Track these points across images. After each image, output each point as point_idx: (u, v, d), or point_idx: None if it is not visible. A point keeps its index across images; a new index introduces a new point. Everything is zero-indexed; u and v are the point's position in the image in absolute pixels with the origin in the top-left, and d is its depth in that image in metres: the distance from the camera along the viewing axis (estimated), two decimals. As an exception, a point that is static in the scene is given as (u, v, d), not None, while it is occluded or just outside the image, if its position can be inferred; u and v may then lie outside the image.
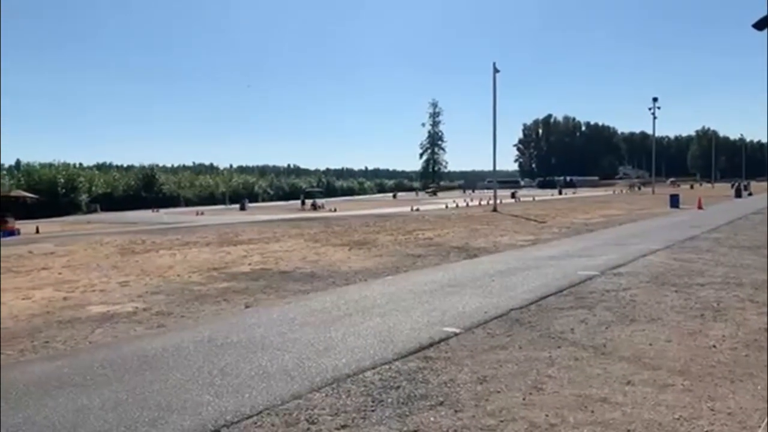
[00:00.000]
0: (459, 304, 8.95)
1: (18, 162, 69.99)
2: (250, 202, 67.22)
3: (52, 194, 53.07)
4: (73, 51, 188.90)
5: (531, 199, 60.27)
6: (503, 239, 19.72)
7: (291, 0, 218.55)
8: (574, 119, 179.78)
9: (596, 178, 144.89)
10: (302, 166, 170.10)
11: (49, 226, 34.98)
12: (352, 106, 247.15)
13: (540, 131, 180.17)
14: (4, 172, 55.21)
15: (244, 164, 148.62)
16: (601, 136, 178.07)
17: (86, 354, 6.82)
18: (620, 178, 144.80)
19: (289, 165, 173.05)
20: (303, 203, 59.49)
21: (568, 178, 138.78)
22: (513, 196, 63.63)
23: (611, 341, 6.69)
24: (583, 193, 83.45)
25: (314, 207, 54.31)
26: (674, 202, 38.13)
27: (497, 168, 47.29)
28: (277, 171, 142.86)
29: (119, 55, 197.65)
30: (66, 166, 62.49)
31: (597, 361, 5.95)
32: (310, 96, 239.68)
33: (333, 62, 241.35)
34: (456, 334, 7.12)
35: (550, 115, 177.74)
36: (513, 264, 13.43)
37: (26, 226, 30.79)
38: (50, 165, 61.85)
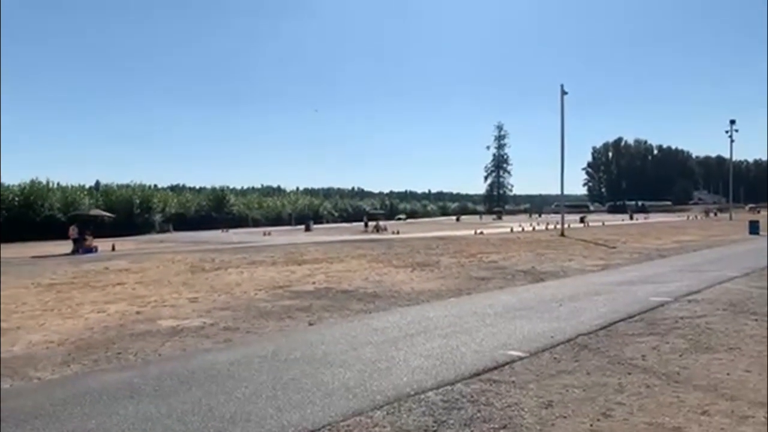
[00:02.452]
0: (524, 327, 8.75)
1: (97, 183, 73.29)
2: (315, 223, 68.09)
3: (128, 214, 55.22)
4: (149, 77, 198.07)
5: (600, 224, 58.58)
6: (571, 264, 19.23)
7: (357, 25, 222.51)
8: (645, 142, 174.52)
9: (669, 203, 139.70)
10: (366, 188, 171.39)
11: (124, 244, 36.45)
12: (417, 128, 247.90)
13: (610, 154, 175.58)
14: (85, 192, 57.90)
15: (309, 186, 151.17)
16: (674, 160, 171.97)
17: (156, 365, 7.03)
18: (695, 204, 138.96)
19: (353, 187, 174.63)
20: (366, 225, 59.87)
21: (639, 203, 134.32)
22: (581, 220, 61.94)
23: (685, 369, 6.37)
24: (656, 218, 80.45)
25: (377, 229, 54.53)
26: (754, 228, 36.20)
27: (565, 192, 46.18)
28: (341, 193, 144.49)
29: (192, 81, 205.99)
30: (142, 187, 64.87)
31: (670, 390, 5.67)
32: (374, 119, 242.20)
33: (398, 85, 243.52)
34: (521, 358, 6.96)
35: (620, 138, 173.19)
36: (581, 289, 13.06)
37: (103, 244, 32.15)
38: (127, 186, 64.49)
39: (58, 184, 55.59)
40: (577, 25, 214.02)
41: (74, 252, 29.27)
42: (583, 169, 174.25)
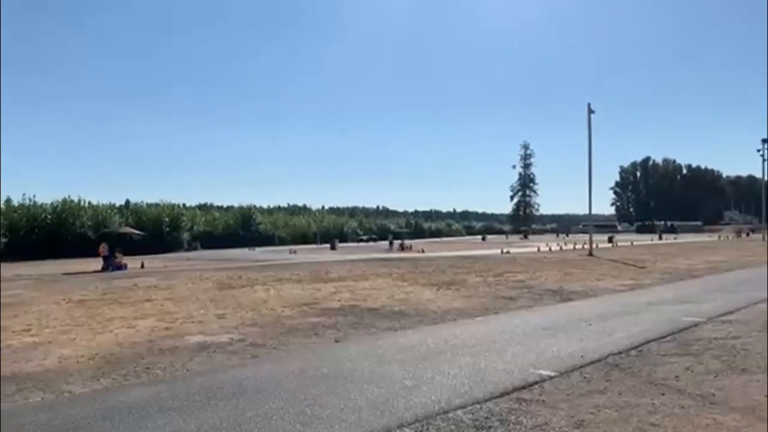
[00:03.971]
0: (553, 347, 8.62)
1: (127, 201, 74.56)
2: (340, 241, 68.34)
3: (157, 232, 56.09)
4: (179, 99, 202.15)
5: (629, 243, 57.78)
6: (600, 283, 18.95)
7: (383, 45, 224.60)
8: (674, 162, 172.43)
9: (699, 223, 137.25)
10: (391, 207, 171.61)
11: (153, 261, 36.96)
12: (442, 147, 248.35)
13: (638, 174, 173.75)
14: (116, 211, 58.96)
15: (335, 205, 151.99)
16: (703, 180, 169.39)
17: (184, 381, 7.07)
18: (726, 224, 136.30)
19: (378, 206, 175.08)
20: (391, 244, 59.87)
21: (668, 223, 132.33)
22: (610, 240, 61.15)
23: (721, 391, 6.20)
24: (685, 238, 79.17)
25: (402, 248, 54.48)
26: (788, 248, 35.35)
27: (593, 212, 45.71)
28: (366, 212, 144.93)
29: (220, 102, 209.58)
30: (171, 205, 65.90)
31: (705, 411, 5.52)
32: (399, 138, 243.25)
33: (423, 104, 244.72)
34: (550, 377, 6.84)
35: (648, 158, 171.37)
36: (611, 308, 12.85)
37: (133, 262, 32.63)
38: (156, 205, 65.56)
39: (89, 202, 56.74)
40: (604, 44, 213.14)
41: (104, 269, 29.74)
42: (611, 188, 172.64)
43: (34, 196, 52.06)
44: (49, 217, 49.46)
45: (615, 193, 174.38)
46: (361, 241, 72.38)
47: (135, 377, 7.36)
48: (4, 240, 44.17)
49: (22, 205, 51.19)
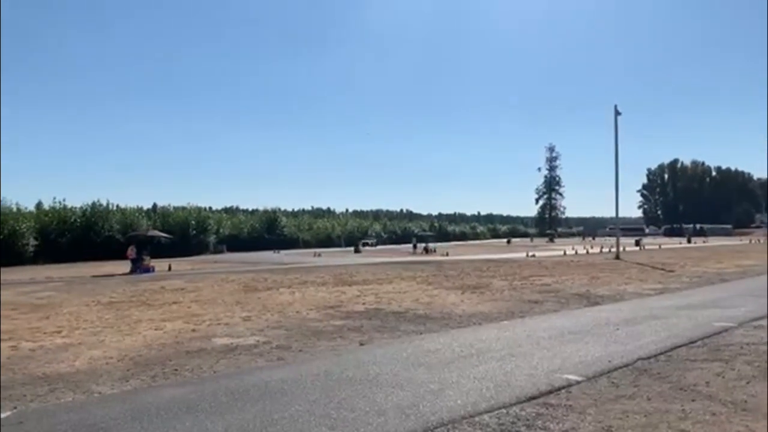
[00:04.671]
0: (580, 351, 8.53)
1: (155, 205, 75.57)
2: (364, 245, 68.45)
3: (184, 235, 56.69)
4: (205, 103, 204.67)
5: (657, 247, 56.92)
6: (627, 287, 18.70)
7: (406, 48, 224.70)
8: (703, 164, 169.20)
9: (729, 226, 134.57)
10: (415, 210, 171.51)
11: (180, 264, 37.37)
12: (466, 150, 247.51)
13: (666, 176, 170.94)
14: (143, 214, 59.77)
15: (358, 208, 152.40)
16: (733, 182, 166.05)
17: (211, 382, 7.14)
18: (757, 227, 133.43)
19: (402, 209, 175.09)
20: (415, 247, 59.79)
21: (697, 226, 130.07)
22: (637, 243, 60.33)
23: (753, 397, 6.07)
24: (715, 241, 77.69)
25: (426, 251, 54.38)
26: (823, 252, 34.53)
27: (620, 214, 45.15)
28: (390, 215, 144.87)
29: (246, 106, 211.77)
30: (197, 209, 66.63)
31: (738, 418, 5.41)
32: (424, 141, 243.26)
33: (448, 107, 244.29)
34: (578, 382, 6.77)
35: (676, 160, 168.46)
36: (639, 313, 12.67)
37: (160, 264, 33.04)
38: (183, 208, 66.31)
39: (117, 206, 57.61)
40: (631, 44, 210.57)
41: (132, 272, 30.17)
42: (638, 191, 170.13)
43: (65, 200, 53.09)
44: (78, 220, 50.31)
45: (642, 195, 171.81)
46: (366, 245, 71.02)
47: (163, 378, 7.46)
48: (34, 242, 45.00)
49: (52, 209, 52.20)
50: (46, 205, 54.64)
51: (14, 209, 47.41)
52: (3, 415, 5.85)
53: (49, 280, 25.81)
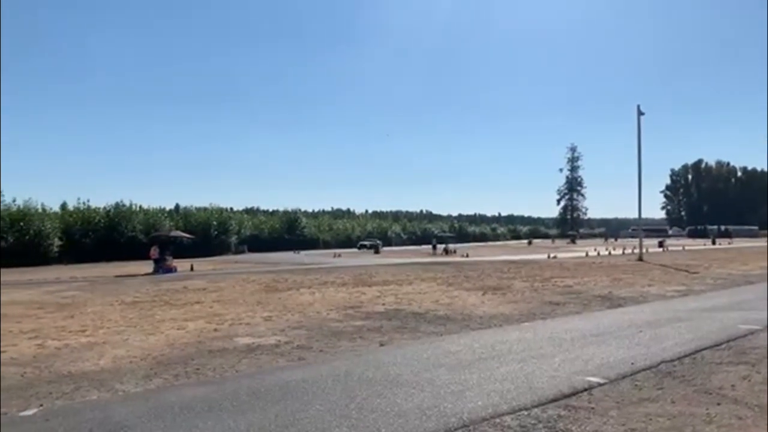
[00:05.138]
0: (602, 353, 8.45)
1: (177, 205, 76.39)
2: (384, 245, 68.52)
3: (206, 235, 57.18)
4: (227, 105, 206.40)
5: (680, 248, 56.17)
6: (651, 289, 18.49)
7: (425, 46, 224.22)
8: (728, 164, 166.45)
9: (755, 227, 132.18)
10: (435, 211, 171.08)
11: (202, 264, 37.72)
12: (487, 150, 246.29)
13: (690, 177, 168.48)
14: (166, 215, 60.38)
15: (378, 209, 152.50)
16: (760, 183, 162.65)
17: (233, 381, 7.20)
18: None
19: (421, 210, 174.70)
20: (434, 248, 59.69)
21: (722, 227, 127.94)
22: (660, 245, 59.55)
23: (781, 402, 5.97)
24: (740, 243, 76.42)
25: (446, 252, 54.26)
26: None
27: (642, 215, 44.55)
28: (410, 216, 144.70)
29: (267, 108, 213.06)
30: (219, 209, 67.13)
31: (764, 422, 5.32)
32: (444, 142, 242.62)
33: (467, 107, 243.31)
34: (600, 384, 6.71)
35: (700, 160, 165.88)
36: (662, 315, 12.52)
37: (182, 264, 33.37)
38: (205, 209, 66.88)
39: (140, 206, 58.25)
40: (655, 43, 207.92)
41: (155, 272, 30.50)
42: (661, 192, 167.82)
43: (89, 201, 53.86)
44: (102, 220, 50.98)
45: (666, 196, 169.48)
46: (363, 247, 68.62)
47: (186, 378, 7.53)
48: (59, 242, 45.66)
49: (77, 209, 52.99)
50: (70, 206, 55.45)
51: (39, 210, 48.10)
52: (30, 413, 5.96)
53: (73, 279, 26.22)
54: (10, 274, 30.83)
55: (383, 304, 14.82)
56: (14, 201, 46.95)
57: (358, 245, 69.47)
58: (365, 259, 43.54)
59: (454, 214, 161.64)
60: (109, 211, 52.85)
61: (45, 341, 10.33)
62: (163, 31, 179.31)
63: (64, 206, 56.25)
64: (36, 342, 10.28)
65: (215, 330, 11.27)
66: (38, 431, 5.32)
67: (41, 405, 6.27)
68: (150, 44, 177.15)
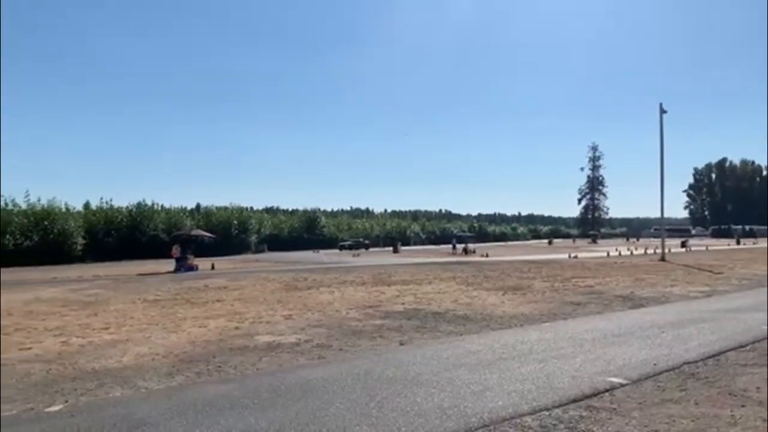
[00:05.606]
0: (624, 354, 8.37)
1: (198, 205, 77.06)
2: (402, 245, 68.44)
3: (226, 234, 57.64)
4: (246, 106, 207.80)
5: (704, 248, 55.41)
6: (673, 289, 18.27)
7: (444, 46, 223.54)
8: (753, 163, 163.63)
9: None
10: (454, 210, 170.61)
11: (222, 263, 38.03)
12: (507, 149, 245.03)
13: (713, 176, 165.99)
14: (187, 214, 60.97)
15: (397, 208, 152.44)
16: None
17: (254, 379, 7.25)
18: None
19: (440, 210, 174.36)
20: (454, 247, 59.54)
21: (747, 227, 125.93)
22: (683, 245, 58.87)
23: (808, 404, 5.86)
24: (765, 243, 75.16)
25: (465, 251, 54.08)
26: None
27: (665, 215, 44.09)
28: (429, 215, 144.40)
29: (285, 109, 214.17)
30: (239, 209, 67.61)
31: (792, 426, 5.23)
32: (462, 141, 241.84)
33: (487, 105, 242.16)
34: (622, 385, 6.65)
35: (724, 159, 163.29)
36: (685, 315, 12.37)
37: (203, 263, 33.64)
38: (225, 208, 67.41)
39: (162, 206, 58.89)
40: (677, 39, 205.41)
41: (177, 270, 30.79)
42: (684, 191, 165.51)
43: (111, 200, 54.57)
44: (125, 220, 51.60)
45: (688, 195, 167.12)
46: (343, 248, 64.16)
47: (207, 375, 7.60)
48: (82, 241, 46.29)
49: (99, 209, 53.70)
50: (93, 205, 56.20)
51: (63, 209, 48.80)
52: (55, 408, 6.06)
53: (96, 278, 26.56)
54: (35, 272, 31.35)
55: (402, 304, 14.82)
56: (39, 200, 47.74)
57: (339, 246, 65.80)
58: (384, 258, 43.54)
59: (474, 213, 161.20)
60: (132, 210, 53.47)
61: (69, 338, 10.49)
62: (184, 32, 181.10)
63: (87, 206, 57.03)
64: (60, 339, 10.44)
65: (236, 328, 11.36)
66: (64, 427, 5.40)
67: (66, 401, 6.37)
68: (171, 46, 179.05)
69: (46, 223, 44.32)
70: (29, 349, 9.58)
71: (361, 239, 69.34)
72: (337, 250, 63.36)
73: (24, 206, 46.77)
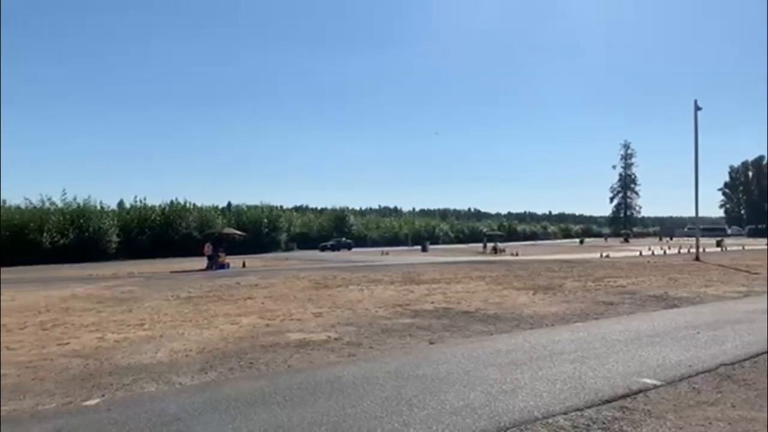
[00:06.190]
0: (658, 355, 8.24)
1: (229, 203, 77.93)
2: (431, 244, 68.27)
3: (257, 233, 58.19)
4: (276, 105, 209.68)
5: (740, 248, 54.20)
6: (708, 290, 17.90)
7: (473, 44, 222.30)
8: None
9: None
10: (483, 209, 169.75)
11: (253, 261, 38.41)
12: (536, 147, 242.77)
13: (750, 174, 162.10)
14: (219, 213, 61.73)
15: (425, 207, 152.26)
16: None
17: (285, 376, 7.31)
18: None
19: (469, 208, 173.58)
20: (484, 246, 59.20)
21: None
22: (718, 244, 57.59)
23: None
24: (805, 243, 73.18)
25: (495, 250, 53.71)
26: None
27: (699, 214, 43.17)
28: (457, 214, 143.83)
29: (314, 108, 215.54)
30: (269, 207, 68.20)
31: (834, 430, 5.10)
32: (492, 139, 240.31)
33: (516, 103, 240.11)
34: (656, 386, 6.55)
35: (761, 156, 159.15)
36: (721, 316, 12.12)
37: (234, 261, 34.02)
38: (256, 207, 68.05)
39: (194, 204, 59.67)
40: (712, 35, 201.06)
41: (209, 268, 31.19)
42: (720, 189, 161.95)
43: (145, 199, 55.55)
44: (158, 218, 52.46)
45: (724, 194, 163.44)
46: (326, 248, 59.75)
47: (240, 371, 7.70)
48: (116, 239, 47.17)
49: (133, 207, 54.71)
50: (127, 204, 57.26)
51: (98, 208, 49.81)
52: (92, 402, 6.20)
53: (130, 275, 27.05)
54: (71, 270, 32.08)
55: (432, 303, 14.80)
56: (74, 199, 48.83)
57: (320, 246, 61.49)
58: (413, 257, 43.50)
59: (503, 212, 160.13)
60: (165, 209, 54.34)
61: (105, 334, 10.72)
62: (216, 32, 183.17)
63: (121, 204, 58.13)
64: (97, 335, 10.67)
65: (267, 325, 11.47)
66: (101, 420, 5.52)
67: (103, 395, 6.52)
68: (203, 45, 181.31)
69: (81, 221, 45.30)
70: (67, 344, 9.81)
71: (343, 239, 66.31)
72: (365, 249, 63.47)
73: (60, 205, 47.91)
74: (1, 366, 8.09)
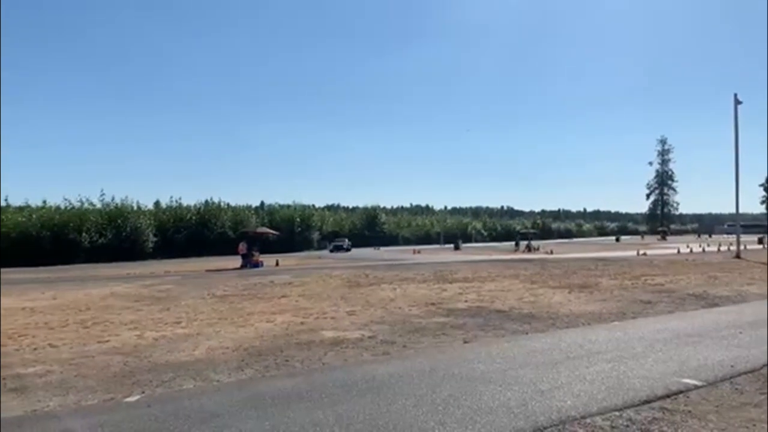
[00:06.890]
0: (699, 355, 8.06)
1: (262, 203, 78.87)
2: (464, 242, 68.00)
3: (290, 231, 58.85)
4: (309, 106, 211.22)
5: (782, 245, 52.69)
6: (750, 288, 17.45)
7: (504, 41, 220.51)
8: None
9: None
10: (516, 207, 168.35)
11: (286, 259, 38.79)
12: (571, 144, 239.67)
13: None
14: (252, 212, 62.48)
15: (457, 205, 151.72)
16: None
17: (320, 374, 7.37)
18: None
19: (502, 206, 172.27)
20: (517, 245, 58.76)
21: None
22: (760, 241, 56.11)
23: None
24: None
25: (529, 249, 53.24)
26: None
27: (740, 210, 42.08)
28: (490, 212, 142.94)
29: (346, 107, 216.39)
30: (302, 207, 68.85)
31: None
32: (525, 135, 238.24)
33: (550, 99, 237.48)
34: (697, 387, 6.40)
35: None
36: (764, 316, 11.78)
37: (268, 259, 34.41)
38: (289, 206, 68.73)
39: (228, 204, 60.55)
40: (751, 26, 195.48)
41: (243, 266, 31.61)
42: (761, 185, 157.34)
43: (180, 199, 56.56)
44: (193, 218, 53.35)
45: (766, 190, 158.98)
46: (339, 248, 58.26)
47: (275, 369, 7.77)
48: (153, 239, 48.05)
49: (169, 207, 55.75)
50: (163, 204, 58.35)
51: (135, 208, 50.87)
52: (133, 399, 6.33)
53: (167, 273, 27.55)
54: (110, 269, 32.80)
55: (465, 301, 14.73)
56: (112, 199, 49.93)
57: (332, 245, 60.48)
58: (445, 255, 43.37)
59: (537, 210, 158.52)
60: (200, 208, 55.30)
61: (144, 332, 10.93)
62: (249, 32, 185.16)
63: (157, 204, 59.28)
64: (135, 333, 10.89)
65: (301, 323, 11.57)
66: (141, 416, 5.63)
67: (143, 392, 6.65)
68: (239, 46, 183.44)
69: (119, 221, 46.30)
70: (107, 341, 10.04)
71: (347, 241, 62.60)
72: (397, 247, 63.50)
73: (99, 205, 49.07)
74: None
